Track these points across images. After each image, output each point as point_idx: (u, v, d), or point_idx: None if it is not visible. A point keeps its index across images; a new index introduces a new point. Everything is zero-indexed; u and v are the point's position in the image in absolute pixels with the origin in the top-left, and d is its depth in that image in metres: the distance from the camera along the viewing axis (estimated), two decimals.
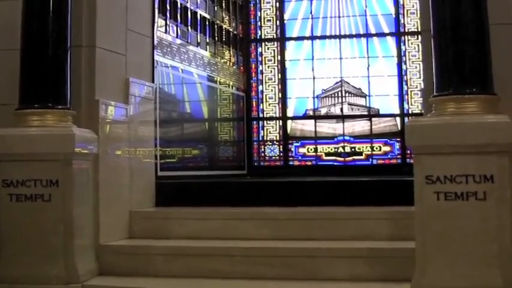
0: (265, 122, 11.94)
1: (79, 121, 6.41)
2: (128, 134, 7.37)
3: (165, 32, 8.91)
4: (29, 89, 6.12)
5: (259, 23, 12.11)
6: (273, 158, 11.86)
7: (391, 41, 11.56)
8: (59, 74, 6.16)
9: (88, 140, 6.35)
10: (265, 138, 11.92)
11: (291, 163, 11.77)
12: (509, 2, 5.81)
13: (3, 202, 6.01)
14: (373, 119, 11.51)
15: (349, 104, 11.70)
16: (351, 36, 11.72)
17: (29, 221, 5.98)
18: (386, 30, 11.59)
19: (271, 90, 11.97)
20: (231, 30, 11.36)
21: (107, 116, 6.94)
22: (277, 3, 12.09)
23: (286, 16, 12.06)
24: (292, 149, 11.80)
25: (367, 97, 11.58)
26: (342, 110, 11.73)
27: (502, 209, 5.07)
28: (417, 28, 11.09)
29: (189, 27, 9.73)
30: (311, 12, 11.93)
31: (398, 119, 11.39)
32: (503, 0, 5.75)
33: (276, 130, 11.89)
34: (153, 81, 8.14)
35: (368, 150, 11.42)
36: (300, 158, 11.75)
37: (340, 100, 11.72)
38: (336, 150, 11.56)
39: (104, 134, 6.83)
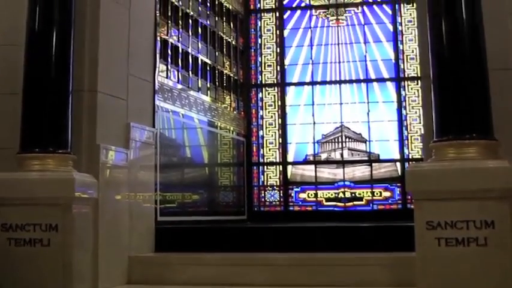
0: (265, 167, 11.94)
1: (80, 165, 6.41)
2: (128, 179, 7.36)
3: (166, 77, 8.96)
4: (30, 133, 6.13)
5: (259, 69, 12.18)
6: (273, 203, 11.83)
7: (391, 86, 11.62)
8: (60, 118, 6.17)
9: (88, 184, 6.34)
10: (265, 184, 11.91)
11: (291, 208, 11.73)
12: (508, 48, 5.85)
13: (2, 246, 5.97)
14: (373, 164, 11.51)
15: (350, 149, 11.71)
16: (351, 81, 11.79)
17: (27, 266, 5.94)
18: (386, 76, 11.65)
19: (272, 135, 11.99)
20: (231, 75, 11.42)
21: (108, 160, 6.94)
22: (278, 49, 12.18)
23: (286, 61, 12.14)
24: (293, 194, 11.77)
25: (368, 142, 11.59)
26: (342, 155, 11.73)
27: (503, 254, 5.04)
28: (417, 73, 11.15)
29: (190, 72, 9.79)
30: (311, 58, 12.01)
31: (398, 164, 11.38)
32: (501, 45, 5.79)
33: (276, 175, 11.88)
34: (153, 126, 8.17)
35: (368, 196, 11.39)
36: (300, 203, 11.72)
37: (340, 145, 11.74)
38: (337, 195, 11.53)
39: (104, 178, 6.82)
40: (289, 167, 11.88)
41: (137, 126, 7.63)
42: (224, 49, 11.20)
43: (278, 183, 11.84)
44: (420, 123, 11.03)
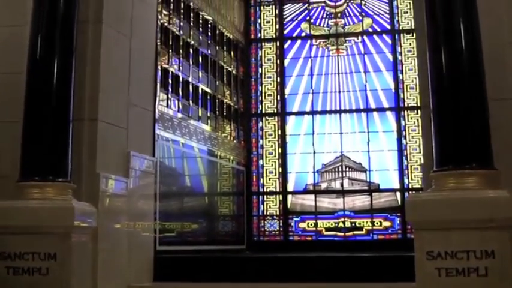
0: (265, 196, 11.92)
1: (79, 194, 6.40)
2: (128, 208, 7.35)
3: (167, 106, 8.98)
4: (30, 162, 6.12)
5: (260, 98, 12.22)
6: (273, 232, 11.80)
7: (391, 115, 11.64)
8: (60, 147, 6.17)
9: (87, 213, 6.32)
10: (265, 213, 11.88)
11: (290, 238, 11.70)
12: (507, 78, 5.87)
13: (0, 275, 5.94)
14: (373, 193, 11.49)
15: (350, 178, 11.70)
16: (351, 111, 11.81)
17: None
18: (386, 105, 11.68)
19: (272, 164, 11.99)
20: (232, 104, 11.45)
21: (107, 189, 6.94)
22: (278, 78, 12.23)
23: (286, 91, 12.18)
24: (292, 224, 11.74)
25: (368, 172, 11.59)
26: (342, 184, 11.72)
27: (504, 285, 5.01)
28: (417, 103, 11.18)
29: (191, 102, 9.82)
30: (311, 87, 12.05)
31: (398, 193, 11.37)
32: (501, 75, 5.81)
33: (276, 205, 11.86)
34: (153, 155, 8.17)
35: (368, 225, 11.37)
36: (300, 233, 11.68)
37: (340, 175, 11.73)
38: (336, 225, 11.50)
39: (104, 207, 6.81)
40: (289, 197, 11.86)
41: (137, 155, 7.64)
42: (225, 78, 11.24)
43: (278, 213, 11.81)
44: (420, 152, 11.03)
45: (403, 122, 11.50)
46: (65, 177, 6.16)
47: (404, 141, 11.43)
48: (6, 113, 6.71)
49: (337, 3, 12.24)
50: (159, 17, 8.72)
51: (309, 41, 12.23)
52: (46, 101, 6.15)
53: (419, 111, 10.75)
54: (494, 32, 5.79)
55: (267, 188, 11.94)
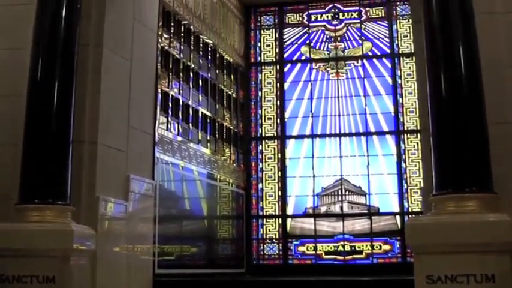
0: (264, 220, 11.90)
1: (78, 217, 6.38)
2: (127, 231, 7.33)
3: (167, 129, 8.99)
4: (29, 184, 6.11)
5: (259, 121, 12.24)
6: (272, 256, 11.77)
7: (390, 139, 11.65)
8: (59, 169, 6.17)
9: (86, 236, 6.30)
10: (264, 237, 11.85)
11: (290, 262, 11.66)
12: (507, 102, 5.88)
13: None
14: (373, 217, 11.47)
15: (349, 202, 11.68)
16: (350, 134, 11.83)
17: None
18: (385, 129, 11.70)
19: (271, 188, 11.98)
20: (231, 128, 11.46)
21: (106, 212, 6.93)
22: (278, 102, 12.25)
23: (286, 114, 12.20)
24: (292, 248, 11.71)
25: (367, 195, 11.58)
26: (341, 208, 11.70)
27: None
28: (416, 127, 11.19)
29: (191, 125, 9.83)
30: (311, 111, 12.07)
31: (398, 217, 11.35)
32: (500, 99, 5.82)
33: (275, 228, 11.83)
34: (153, 178, 8.17)
35: (368, 249, 11.33)
36: (299, 256, 11.65)
37: (340, 198, 11.72)
38: (336, 248, 11.47)
39: (103, 230, 6.80)
40: (289, 220, 11.85)
41: (137, 178, 7.63)
42: (224, 102, 11.27)
43: (277, 236, 11.79)
44: (420, 176, 11.02)
45: (402, 146, 11.51)
46: (64, 200, 6.15)
47: (404, 165, 11.44)
48: (7, 135, 6.71)
49: (337, 27, 12.30)
50: (160, 40, 8.76)
51: (308, 65, 12.28)
52: (46, 124, 6.15)
53: (419, 134, 10.78)
54: (493, 56, 5.81)
55: (266, 211, 11.93)
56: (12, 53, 6.91)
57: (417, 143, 11.23)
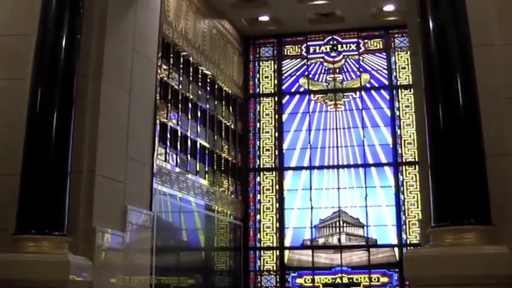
0: (262, 251, 11.86)
1: (75, 247, 6.34)
2: (124, 262, 7.29)
3: (165, 160, 8.99)
4: (26, 215, 6.08)
5: (258, 153, 12.25)
6: None
7: (388, 171, 11.66)
8: (57, 200, 6.14)
9: (83, 267, 6.25)
10: (262, 268, 11.81)
11: None
12: (505, 134, 5.88)
13: None
14: (371, 249, 11.44)
15: (347, 234, 11.65)
16: (348, 166, 11.84)
17: None
18: (384, 161, 11.71)
19: (269, 219, 11.96)
20: (230, 159, 11.47)
21: (103, 243, 6.89)
22: (276, 133, 12.28)
23: (284, 146, 12.22)
24: (289, 280, 11.66)
25: (365, 227, 11.56)
26: (339, 240, 11.67)
27: None
28: (415, 158, 11.21)
29: (189, 156, 9.83)
30: (309, 142, 12.09)
31: (396, 249, 11.32)
32: (499, 131, 5.82)
33: (273, 260, 11.79)
34: (150, 209, 8.13)
35: (366, 281, 11.28)
36: None
37: (337, 230, 11.69)
38: (334, 281, 11.42)
39: (100, 261, 6.76)
40: (286, 252, 11.81)
41: (134, 209, 7.60)
42: (223, 133, 11.29)
43: (275, 268, 11.74)
44: (418, 208, 11.02)
45: (400, 177, 11.51)
46: (61, 231, 6.11)
47: (402, 197, 11.44)
48: (5, 165, 6.69)
49: (336, 59, 12.36)
50: (159, 71, 8.79)
51: (307, 96, 12.32)
52: (44, 154, 6.14)
53: (417, 166, 10.77)
54: (491, 87, 5.82)
55: (264, 243, 11.90)
56: (12, 83, 6.92)
57: (415, 175, 11.23)
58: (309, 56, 12.52)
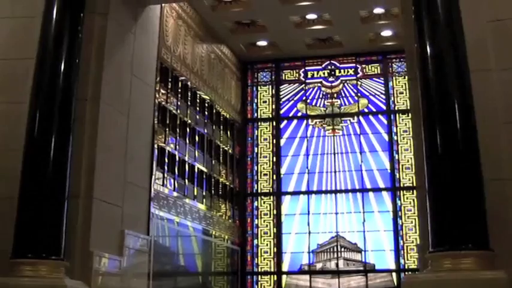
0: (259, 276, 11.81)
1: (72, 272, 6.32)
2: (121, 287, 7.26)
3: (163, 185, 8.98)
4: (23, 238, 6.06)
5: (255, 177, 12.25)
6: None
7: (386, 196, 11.65)
8: (54, 224, 6.12)
9: None
10: None
11: None
12: (503, 158, 5.89)
13: None
14: (369, 274, 11.40)
15: (345, 259, 11.62)
16: (346, 191, 11.83)
17: None
18: (381, 185, 11.71)
19: (267, 244, 11.93)
20: (227, 183, 11.46)
21: (100, 267, 6.86)
22: (274, 158, 12.28)
23: (282, 170, 12.22)
24: None
25: (363, 252, 11.52)
26: (337, 265, 11.63)
27: None
28: (412, 183, 11.20)
29: (186, 180, 9.82)
30: (307, 167, 12.09)
31: (394, 274, 11.28)
32: (497, 155, 5.82)
33: (270, 285, 11.74)
34: (148, 234, 8.12)
35: None
36: None
37: (335, 255, 11.66)
38: None
39: (96, 286, 6.72)
40: (284, 277, 11.76)
41: (131, 233, 7.58)
42: (221, 157, 11.29)
43: None
44: (416, 233, 11.00)
45: (398, 202, 11.51)
46: (58, 255, 6.09)
47: (400, 222, 11.42)
48: (3, 189, 6.67)
49: (334, 84, 12.40)
50: (157, 95, 8.81)
51: (305, 121, 12.34)
52: (42, 178, 6.13)
53: (415, 191, 10.75)
54: (488, 112, 5.84)
55: (261, 268, 11.85)
56: (11, 107, 6.93)
57: (413, 200, 11.22)
58: (307, 81, 12.56)
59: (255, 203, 12.13)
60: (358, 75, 12.33)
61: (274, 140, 12.36)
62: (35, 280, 5.94)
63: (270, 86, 12.67)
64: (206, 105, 10.84)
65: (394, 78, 12.13)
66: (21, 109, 6.60)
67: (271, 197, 12.13)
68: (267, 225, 12.00)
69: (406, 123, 11.69)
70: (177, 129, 9.66)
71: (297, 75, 12.62)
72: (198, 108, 10.50)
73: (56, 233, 6.13)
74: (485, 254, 5.22)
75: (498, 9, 6.21)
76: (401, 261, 11.22)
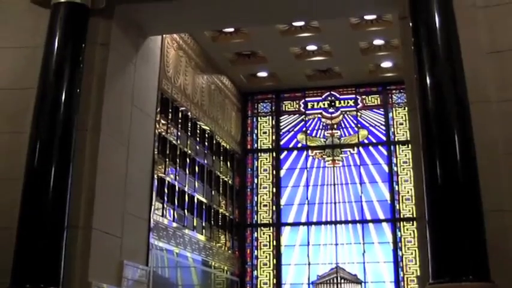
0: None
1: None
2: None
3: (162, 215, 8.96)
4: (21, 268, 6.03)
5: (255, 208, 12.23)
6: None
7: (386, 227, 11.63)
8: (53, 254, 6.10)
9: None
10: None
11: None
12: (501, 189, 5.88)
13: None
14: None
15: None
16: (346, 222, 11.80)
17: None
18: (381, 217, 11.69)
19: (266, 275, 11.87)
20: (227, 214, 11.43)
21: None
22: (274, 189, 12.27)
23: (282, 201, 12.20)
24: None
25: (363, 283, 11.47)
26: None
27: None
28: (413, 214, 11.19)
29: (186, 211, 9.80)
30: (307, 198, 12.07)
31: None
32: (496, 186, 5.82)
33: None
34: (147, 264, 8.07)
35: None
36: None
37: (335, 286, 11.60)
38: None
39: None
40: None
41: (130, 264, 7.54)
42: (220, 188, 11.28)
43: None
44: (416, 264, 10.96)
45: (398, 233, 11.48)
46: (56, 285, 6.06)
47: (400, 253, 11.38)
48: (3, 218, 6.65)
49: (334, 115, 12.43)
50: (157, 126, 8.82)
51: (305, 152, 12.36)
52: (42, 208, 6.13)
53: (415, 222, 10.74)
54: (488, 143, 5.85)
55: None
56: (13, 137, 6.93)
57: (413, 231, 11.20)
58: (307, 112, 12.59)
59: (255, 234, 12.10)
60: (358, 106, 12.37)
61: (274, 171, 12.36)
62: None
63: (270, 117, 12.70)
64: (206, 135, 10.86)
65: (394, 109, 12.17)
66: (22, 139, 6.61)
67: (271, 228, 12.10)
68: (266, 256, 11.95)
69: (406, 154, 11.70)
70: (177, 160, 9.66)
71: (297, 106, 12.66)
72: (198, 139, 10.52)
73: (54, 263, 6.11)
74: (486, 285, 5.20)
75: (497, 40, 6.24)
76: None
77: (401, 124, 11.98)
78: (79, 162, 6.65)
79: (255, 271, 11.90)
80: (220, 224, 11.08)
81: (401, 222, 11.49)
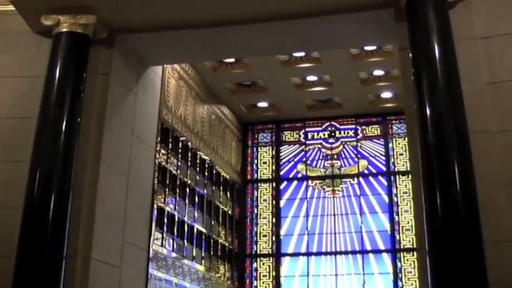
0: None
1: None
2: None
3: (161, 245, 8.92)
4: None
5: (255, 238, 12.18)
6: None
7: (386, 257, 11.58)
8: (51, 285, 6.08)
9: None
10: None
11: None
12: (501, 219, 5.87)
13: None
14: None
15: None
16: (346, 252, 11.75)
17: None
18: (382, 247, 11.64)
19: None
20: (226, 244, 11.39)
21: None
22: (274, 219, 12.23)
23: (282, 232, 12.16)
24: None
25: None
26: None
27: None
28: (413, 245, 11.15)
29: (185, 241, 9.77)
30: (307, 228, 12.03)
31: None
32: (496, 217, 5.81)
33: None
34: None
35: None
36: None
37: None
38: None
39: None
40: None
41: None
42: (220, 218, 11.25)
43: None
44: None
45: (399, 264, 11.43)
46: None
47: (400, 283, 11.32)
48: (1, 247, 6.63)
49: (334, 145, 12.44)
50: (157, 156, 8.82)
51: (305, 182, 12.34)
52: (40, 238, 6.12)
53: (415, 253, 10.70)
54: (488, 174, 5.85)
55: None
56: (13, 166, 6.92)
57: (414, 261, 11.15)
58: (307, 142, 12.60)
59: (254, 264, 12.04)
60: (358, 137, 12.38)
61: (274, 201, 12.34)
62: None
63: (270, 147, 12.71)
64: (206, 165, 10.86)
65: (394, 139, 12.18)
66: (22, 168, 6.60)
67: (271, 258, 12.05)
68: (266, 287, 11.88)
69: (406, 185, 11.69)
70: (177, 190, 9.65)
71: (297, 136, 12.68)
72: (198, 169, 10.51)
73: None
74: None
75: (496, 71, 6.27)
76: None
77: (402, 154, 11.99)
78: (79, 192, 6.65)
79: None
80: (219, 254, 11.04)
81: (402, 253, 11.44)
